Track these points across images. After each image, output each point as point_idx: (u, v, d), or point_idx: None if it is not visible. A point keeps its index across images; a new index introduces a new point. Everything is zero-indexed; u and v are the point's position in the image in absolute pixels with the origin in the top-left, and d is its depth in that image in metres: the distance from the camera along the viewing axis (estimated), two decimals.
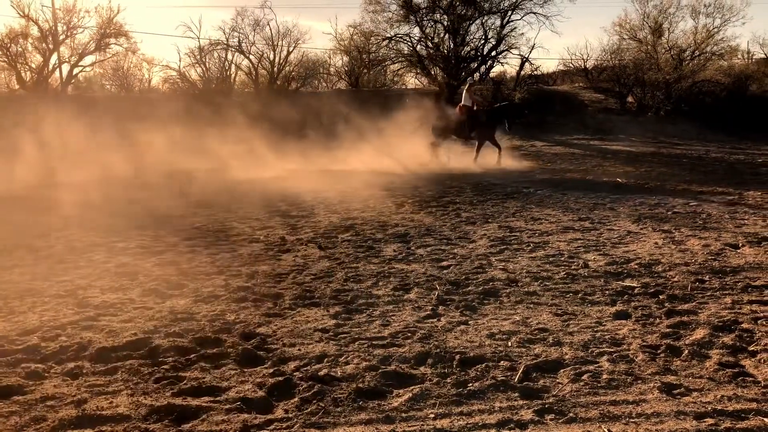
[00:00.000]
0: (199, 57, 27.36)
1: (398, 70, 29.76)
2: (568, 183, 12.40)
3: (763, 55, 29.37)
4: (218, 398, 3.32)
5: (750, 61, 30.01)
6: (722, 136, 22.61)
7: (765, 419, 3.04)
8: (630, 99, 26.51)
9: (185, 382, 3.51)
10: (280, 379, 3.52)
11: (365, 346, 4.01)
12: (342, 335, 4.22)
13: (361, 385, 3.44)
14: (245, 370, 3.68)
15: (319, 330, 4.31)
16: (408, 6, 26.24)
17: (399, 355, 3.85)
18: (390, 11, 26.67)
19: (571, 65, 30.57)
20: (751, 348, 3.97)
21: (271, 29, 29.32)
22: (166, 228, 7.99)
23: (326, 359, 3.80)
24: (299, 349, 3.97)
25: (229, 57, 27.94)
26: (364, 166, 14.88)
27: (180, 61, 44.21)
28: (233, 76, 28.73)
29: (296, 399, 3.30)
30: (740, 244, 6.79)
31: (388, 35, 27.09)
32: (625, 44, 27.88)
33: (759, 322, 4.43)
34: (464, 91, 16.81)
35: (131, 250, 6.79)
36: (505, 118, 16.09)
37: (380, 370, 3.61)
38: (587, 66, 29.71)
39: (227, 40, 27.37)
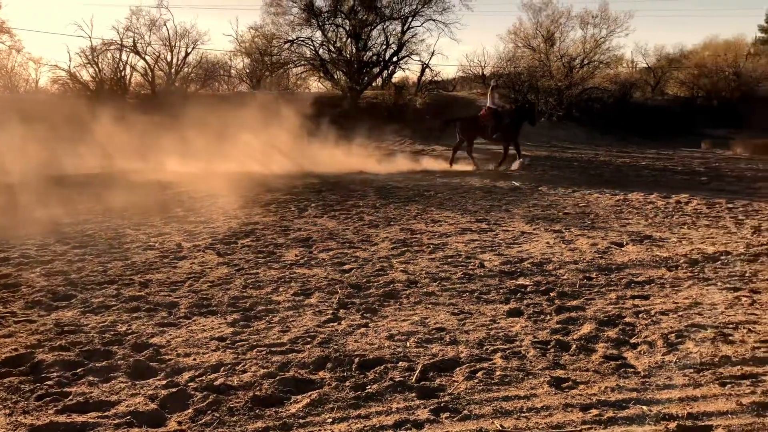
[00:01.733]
0: (91, 57, 26.15)
1: (301, 73, 29.63)
2: (467, 186, 12.74)
3: (645, 65, 31.40)
4: (107, 413, 3.17)
5: (634, 69, 32.00)
6: (610, 140, 23.91)
7: (643, 407, 3.23)
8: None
9: (71, 398, 3.32)
10: (174, 390, 3.41)
11: (264, 353, 3.95)
12: (240, 343, 4.13)
13: (258, 393, 3.38)
14: (137, 382, 3.53)
15: (216, 338, 4.21)
16: (310, 9, 26.19)
17: (298, 360, 3.82)
18: (292, 14, 26.55)
19: (469, 72, 31.51)
20: (632, 340, 4.21)
21: (168, 30, 28.46)
22: (54, 236, 7.55)
23: (223, 368, 3.71)
24: (194, 359, 3.86)
25: (124, 57, 26.88)
26: (266, 168, 14.69)
27: (70, 61, 42.07)
28: (128, 77, 27.65)
29: (190, 410, 3.20)
30: (624, 243, 7.20)
31: (290, 38, 26.92)
32: (520, 52, 29.03)
33: (640, 315, 4.71)
34: (488, 93, 17.09)
35: (14, 260, 6.38)
36: (528, 119, 16.47)
37: (278, 377, 3.56)
38: (485, 73, 30.68)
39: (121, 40, 26.32)
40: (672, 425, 3.04)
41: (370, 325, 4.50)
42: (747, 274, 5.85)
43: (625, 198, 10.82)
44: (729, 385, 3.49)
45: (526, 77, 26.85)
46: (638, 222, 8.56)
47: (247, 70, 30.40)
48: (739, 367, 3.75)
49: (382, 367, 3.71)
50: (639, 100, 27.34)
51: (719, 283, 5.55)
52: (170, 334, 4.30)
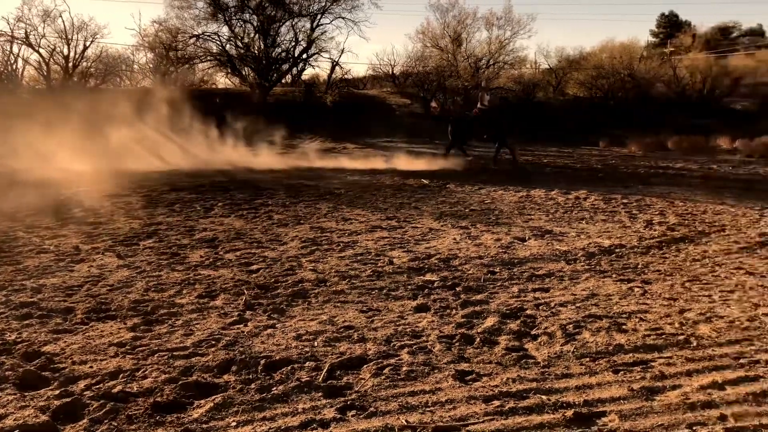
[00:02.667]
0: None
1: (207, 69, 28.90)
2: (378, 184, 12.81)
3: (547, 66, 32.62)
4: None
5: (537, 70, 33.18)
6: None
7: (543, 397, 3.35)
8: (433, 104, 28.06)
9: None
10: (68, 400, 3.24)
11: (165, 358, 3.82)
12: (140, 348, 3.98)
13: (159, 399, 3.27)
14: (26, 394, 3.33)
15: (115, 344, 4.03)
16: (215, 4, 25.56)
17: (202, 364, 3.72)
18: (197, 8, 25.81)
19: (380, 70, 31.71)
20: (533, 332, 4.37)
21: (64, 22, 27.02)
22: None
23: (121, 375, 3.56)
24: (91, 367, 3.68)
25: (15, 50, 25.33)
26: (170, 166, 14.24)
27: None
28: (20, 70, 26.09)
29: (85, 420, 3.05)
30: (527, 238, 7.46)
31: (196, 33, 26.18)
32: (428, 51, 29.48)
33: (540, 307, 4.89)
34: (479, 95, 17.14)
35: None
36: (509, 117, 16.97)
37: (181, 382, 3.46)
38: (395, 72, 30.98)
39: (12, 32, 24.78)
40: (569, 413, 3.17)
41: (277, 325, 4.45)
42: (639, 266, 6.18)
43: (528, 194, 11.20)
44: (621, 372, 3.68)
45: (435, 77, 27.31)
46: (540, 217, 8.88)
47: (151, 65, 29.31)
48: (631, 354, 3.96)
49: (289, 367, 3.67)
50: (542, 99, 28.38)
51: (614, 275, 5.84)
52: (65, 342, 4.08)
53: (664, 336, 4.26)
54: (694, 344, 4.13)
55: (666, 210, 9.54)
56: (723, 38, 37.79)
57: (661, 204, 10.14)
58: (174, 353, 3.89)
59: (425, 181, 13.22)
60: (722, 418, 3.15)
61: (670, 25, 40.26)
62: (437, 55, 29.02)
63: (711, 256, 6.59)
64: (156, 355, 3.85)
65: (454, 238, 7.43)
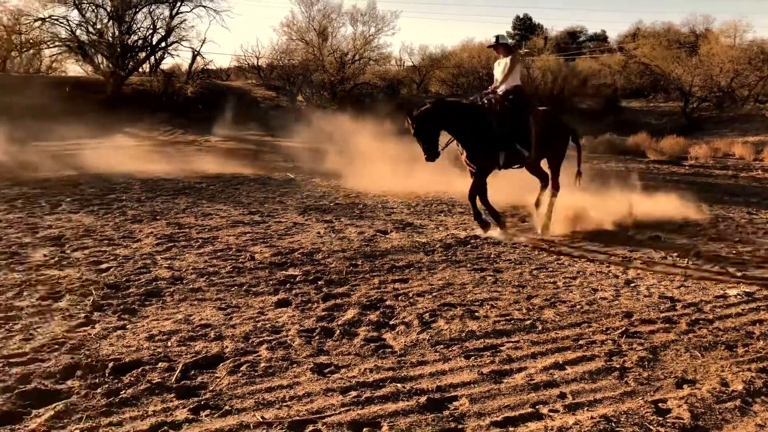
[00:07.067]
0: None
1: (55, 55, 26.87)
2: (240, 178, 12.54)
3: (411, 63, 33.42)
4: None
5: (401, 67, 33.90)
6: None
7: (398, 385, 3.44)
8: (300, 98, 27.89)
9: None
10: None
11: (1, 365, 3.52)
12: None
13: None
14: None
15: None
16: None
17: (42, 370, 3.46)
18: None
19: (244, 62, 30.99)
20: (392, 322, 4.47)
21: None
22: None
23: None
24: None
25: None
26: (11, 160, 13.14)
27: None
28: None
29: None
30: (389, 230, 7.61)
31: (41, 16, 24.25)
32: (294, 45, 29.22)
33: (399, 298, 5.01)
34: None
35: None
36: None
37: (17, 391, 3.20)
38: (260, 64, 30.41)
39: None
40: (422, 399, 3.27)
41: (128, 326, 4.24)
42: (492, 256, 6.51)
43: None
44: (473, 358, 3.86)
45: (300, 70, 27.14)
46: (402, 210, 9.09)
47: None
48: (482, 340, 4.16)
49: (139, 369, 3.51)
50: (406, 96, 29.04)
51: (468, 265, 6.11)
52: None
53: (512, 321, 4.52)
54: (539, 328, 4.41)
55: None
56: (572, 42, 40.57)
57: None
58: (10, 360, 3.60)
59: (290, 175, 13.12)
60: (562, 395, 3.39)
61: (525, 28, 42.56)
62: (303, 49, 28.85)
63: (557, 245, 7.07)
64: None
65: (318, 232, 7.44)
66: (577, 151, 7.97)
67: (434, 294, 5.14)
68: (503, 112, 7.33)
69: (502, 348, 4.04)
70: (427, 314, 4.62)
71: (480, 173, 7.39)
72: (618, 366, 3.76)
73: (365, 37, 29.43)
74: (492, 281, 5.58)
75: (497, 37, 7.56)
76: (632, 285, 5.54)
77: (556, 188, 7.80)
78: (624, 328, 4.41)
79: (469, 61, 30.13)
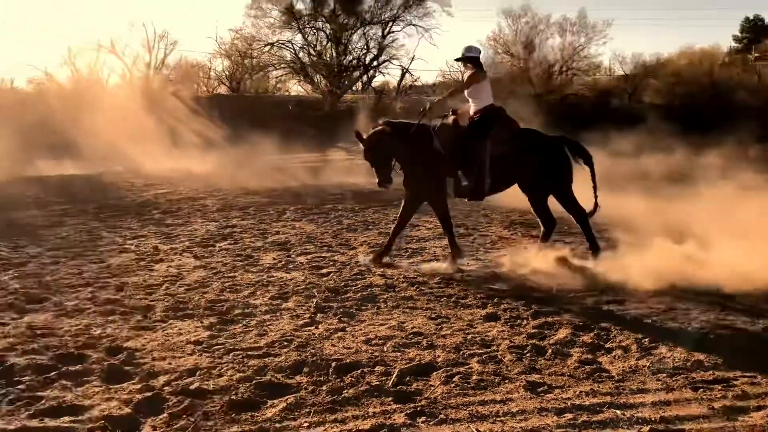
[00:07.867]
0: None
1: (280, 76, 29.57)
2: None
3: (622, 72, 31.79)
4: (80, 418, 3.14)
5: (611, 77, 32.38)
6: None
7: (617, 411, 3.26)
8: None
9: (43, 402, 3.28)
10: (149, 394, 3.38)
11: (240, 357, 3.93)
12: (216, 347, 4.11)
13: (234, 397, 3.36)
14: (111, 386, 3.50)
15: (192, 342, 4.18)
16: (290, 12, 26.15)
17: (275, 364, 3.80)
18: (272, 17, 26.49)
19: (449, 77, 31.62)
20: (607, 345, 4.26)
21: (146, 31, 28.30)
22: (27, 238, 7.46)
23: (199, 372, 3.68)
24: (170, 363, 3.83)
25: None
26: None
27: None
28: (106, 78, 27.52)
29: (165, 415, 3.17)
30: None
31: (270, 41, 26.86)
32: (499, 58, 29.24)
33: (613, 320, 4.76)
34: None
35: None
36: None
37: (255, 381, 3.55)
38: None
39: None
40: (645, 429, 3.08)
41: (347, 329, 4.49)
42: None
43: None
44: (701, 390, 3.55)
45: (506, 83, 27.05)
46: None
47: (227, 73, 30.24)
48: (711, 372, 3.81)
49: (359, 371, 3.71)
50: (617, 106, 27.67)
51: None
52: (146, 338, 4.28)
53: None
54: None
55: None
56: None
57: None
58: (248, 353, 4.00)
59: None
60: None
61: (755, 30, 38.49)
62: (508, 62, 28.75)
63: None
64: (231, 354, 3.97)
65: (525, 246, 7.32)
66: (592, 176, 6.57)
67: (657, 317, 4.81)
68: (453, 136, 6.49)
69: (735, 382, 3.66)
70: (646, 340, 4.33)
71: (435, 202, 6.75)
72: None
73: (574, 48, 28.58)
74: None
75: (465, 49, 6.59)
76: None
77: (577, 215, 6.54)
78: None
79: (688, 69, 27.95)
